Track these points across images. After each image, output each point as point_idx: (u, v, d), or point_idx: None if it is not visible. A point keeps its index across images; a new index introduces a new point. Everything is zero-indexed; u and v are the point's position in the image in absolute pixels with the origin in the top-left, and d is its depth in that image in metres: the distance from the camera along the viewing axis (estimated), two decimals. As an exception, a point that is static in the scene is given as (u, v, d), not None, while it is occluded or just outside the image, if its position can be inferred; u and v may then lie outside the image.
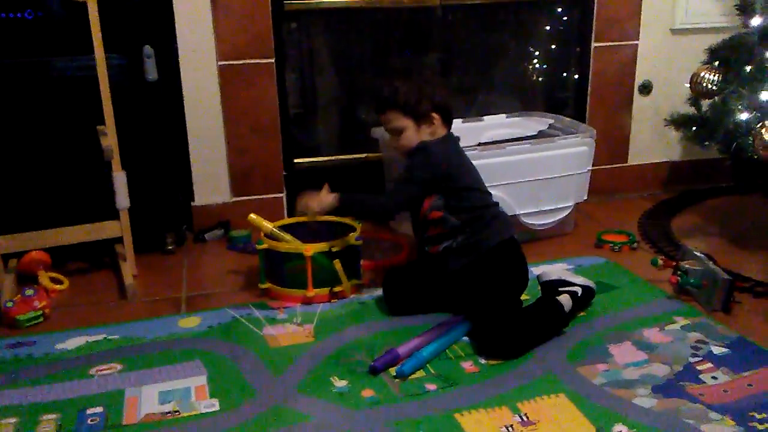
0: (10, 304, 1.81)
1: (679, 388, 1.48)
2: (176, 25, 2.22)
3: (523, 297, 1.83)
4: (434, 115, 1.78)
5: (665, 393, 1.46)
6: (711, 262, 1.87)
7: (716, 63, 2.25)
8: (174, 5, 2.20)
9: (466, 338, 1.69)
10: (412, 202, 1.81)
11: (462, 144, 2.13)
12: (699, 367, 1.55)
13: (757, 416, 1.38)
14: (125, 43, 2.08)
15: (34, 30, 2.03)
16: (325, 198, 1.79)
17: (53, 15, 2.04)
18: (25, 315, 1.81)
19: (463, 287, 1.75)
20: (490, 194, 1.83)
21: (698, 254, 1.91)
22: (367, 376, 1.54)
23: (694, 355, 1.60)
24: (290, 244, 1.92)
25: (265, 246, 1.92)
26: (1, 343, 1.73)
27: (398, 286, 1.85)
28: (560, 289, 1.76)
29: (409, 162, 1.78)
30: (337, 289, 1.90)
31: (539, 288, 1.85)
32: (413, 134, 1.79)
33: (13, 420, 1.42)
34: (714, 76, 2.22)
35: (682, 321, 1.76)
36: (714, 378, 1.51)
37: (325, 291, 1.90)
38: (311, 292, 1.89)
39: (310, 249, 1.86)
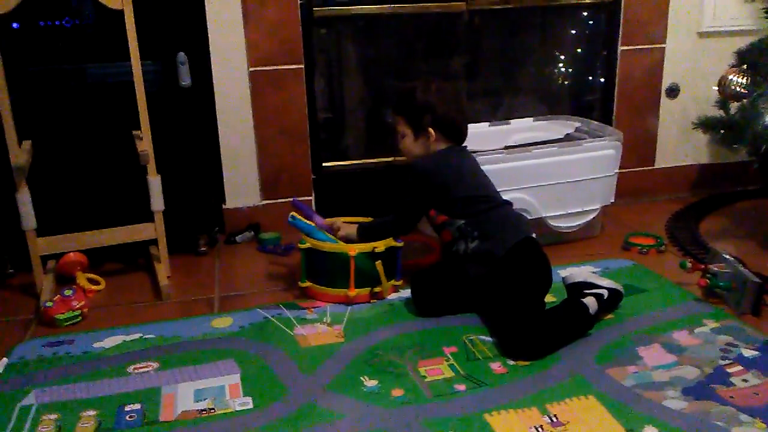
0: (49, 304, 1.87)
1: (709, 390, 1.48)
2: (209, 32, 2.27)
3: (550, 299, 1.84)
4: (431, 130, 1.86)
5: (695, 395, 1.46)
6: (740, 265, 1.86)
7: (744, 66, 2.24)
8: (207, 13, 2.25)
9: (492, 339, 1.71)
10: (418, 217, 1.92)
11: (488, 147, 2.16)
12: (729, 370, 1.55)
13: (789, 419, 1.38)
14: (160, 50, 2.12)
15: (72, 37, 2.08)
16: (349, 229, 1.96)
17: (90, 22, 2.09)
18: (64, 314, 1.86)
19: (485, 294, 1.79)
20: (496, 197, 1.87)
21: (727, 257, 1.90)
22: (397, 377, 1.56)
23: (724, 358, 1.60)
24: (333, 244, 1.95)
25: (307, 245, 1.95)
26: (41, 342, 1.78)
27: (426, 288, 1.87)
28: (585, 291, 1.77)
29: (405, 183, 1.88)
30: (377, 289, 1.93)
31: (566, 290, 1.86)
32: (410, 143, 1.91)
33: (54, 416, 1.46)
34: (742, 79, 2.21)
35: (711, 324, 1.76)
36: (744, 381, 1.51)
37: (365, 291, 1.93)
38: (353, 292, 1.91)
39: (354, 249, 1.89)
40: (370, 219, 2.08)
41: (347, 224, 1.99)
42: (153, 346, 1.74)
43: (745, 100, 2.22)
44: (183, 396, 1.52)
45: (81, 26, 2.09)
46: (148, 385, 1.56)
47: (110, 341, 1.77)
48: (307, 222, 2.01)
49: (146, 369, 1.63)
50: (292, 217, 1.99)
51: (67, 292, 1.90)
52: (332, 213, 2.32)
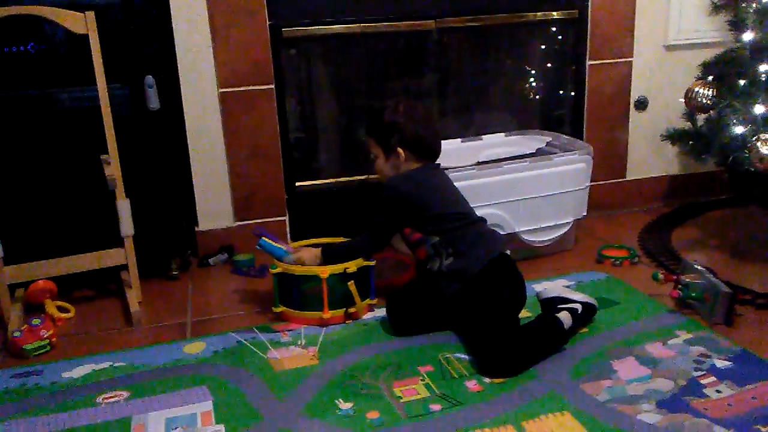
0: (17, 334, 1.83)
1: (683, 402, 1.49)
2: (177, 55, 2.26)
3: (524, 314, 1.84)
4: (399, 150, 1.87)
5: (670, 408, 1.47)
6: (712, 275, 1.88)
7: (710, 78, 2.28)
8: (175, 35, 2.24)
9: (467, 356, 1.71)
10: (389, 237, 1.92)
11: (461, 163, 2.17)
12: (703, 381, 1.56)
13: (762, 429, 1.38)
14: (127, 74, 2.11)
15: (37, 63, 2.06)
16: (312, 254, 1.94)
17: (55, 48, 2.07)
18: (32, 344, 1.82)
19: (459, 311, 1.78)
20: (470, 214, 1.88)
21: (699, 267, 1.92)
22: (372, 399, 1.55)
23: (698, 369, 1.61)
24: (305, 266, 1.93)
25: (279, 270, 1.93)
26: (8, 373, 1.74)
27: (402, 307, 1.86)
28: (560, 306, 1.78)
29: (378, 202, 1.88)
30: (351, 309, 1.92)
31: (540, 305, 1.86)
32: (382, 163, 1.93)
33: (21, 450, 1.43)
34: (708, 90, 2.25)
35: (684, 335, 1.77)
36: (718, 392, 1.52)
37: (340, 312, 1.92)
38: (327, 314, 1.90)
39: (326, 271, 1.88)
40: (343, 239, 2.07)
41: (308, 249, 1.97)
42: (123, 374, 1.71)
43: (711, 112, 2.26)
44: (154, 425, 1.49)
45: (46, 51, 2.06)
46: (118, 416, 1.53)
47: (79, 371, 1.73)
48: (277, 245, 1.99)
49: (116, 399, 1.60)
50: (262, 240, 1.97)
51: (35, 321, 1.86)
52: (307, 232, 2.32)
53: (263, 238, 1.99)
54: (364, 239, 1.93)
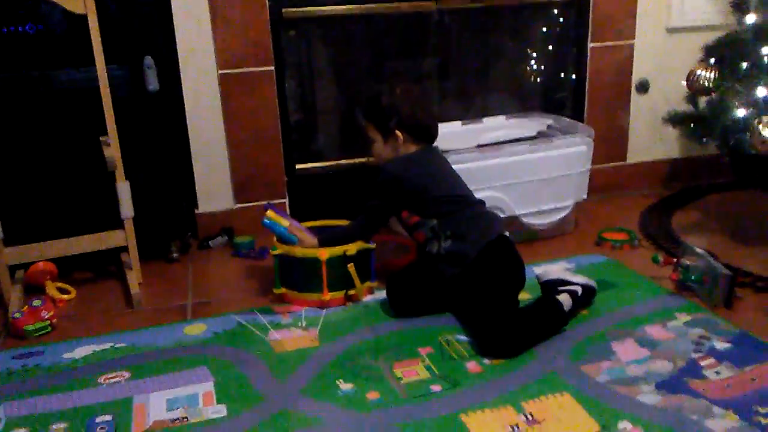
0: (18, 315, 1.83)
1: (682, 383, 1.49)
2: (176, 36, 2.24)
3: (524, 296, 1.85)
4: (398, 133, 1.87)
5: (669, 389, 1.48)
6: (711, 258, 1.88)
7: (712, 60, 2.27)
8: (174, 16, 2.22)
9: (468, 338, 1.71)
10: (383, 220, 1.93)
11: (461, 146, 2.16)
12: (702, 363, 1.57)
13: (761, 410, 1.39)
14: (126, 55, 2.09)
15: (36, 43, 2.05)
16: (310, 243, 1.93)
17: (54, 28, 2.05)
18: (33, 325, 1.82)
19: (459, 293, 1.79)
20: (468, 196, 1.87)
21: (698, 250, 1.92)
22: (373, 380, 1.55)
23: (697, 351, 1.62)
24: (305, 249, 1.93)
25: (279, 251, 1.93)
26: (9, 354, 1.74)
27: (402, 289, 1.86)
28: (560, 288, 1.78)
29: (374, 186, 1.88)
30: (351, 292, 1.92)
31: (540, 288, 1.86)
32: (380, 147, 1.92)
33: (24, 430, 1.43)
34: (710, 73, 2.23)
35: (684, 317, 1.78)
36: (717, 373, 1.53)
37: (340, 294, 1.92)
38: (327, 296, 1.90)
39: (326, 253, 1.88)
40: (344, 221, 2.07)
41: (305, 237, 1.95)
42: (124, 355, 1.71)
43: (713, 95, 2.25)
44: (155, 405, 1.50)
45: (45, 32, 2.05)
46: (119, 396, 1.54)
47: (81, 351, 1.74)
48: (280, 224, 1.98)
49: (117, 379, 1.61)
50: (266, 220, 1.97)
51: (36, 303, 1.86)
52: (307, 215, 2.31)
53: (268, 214, 1.97)
54: (359, 223, 1.93)
